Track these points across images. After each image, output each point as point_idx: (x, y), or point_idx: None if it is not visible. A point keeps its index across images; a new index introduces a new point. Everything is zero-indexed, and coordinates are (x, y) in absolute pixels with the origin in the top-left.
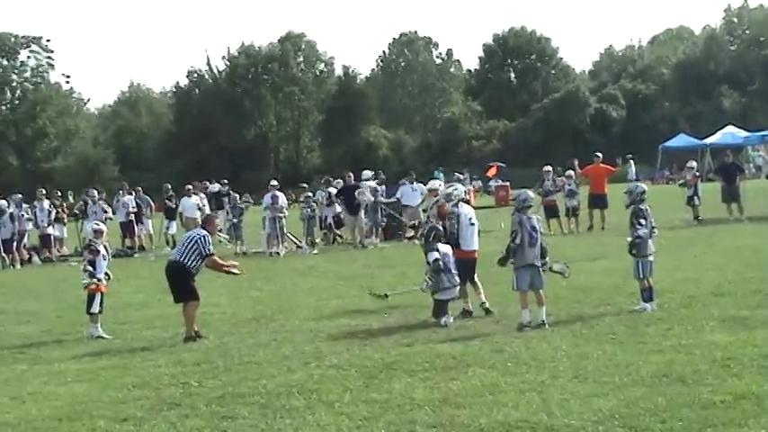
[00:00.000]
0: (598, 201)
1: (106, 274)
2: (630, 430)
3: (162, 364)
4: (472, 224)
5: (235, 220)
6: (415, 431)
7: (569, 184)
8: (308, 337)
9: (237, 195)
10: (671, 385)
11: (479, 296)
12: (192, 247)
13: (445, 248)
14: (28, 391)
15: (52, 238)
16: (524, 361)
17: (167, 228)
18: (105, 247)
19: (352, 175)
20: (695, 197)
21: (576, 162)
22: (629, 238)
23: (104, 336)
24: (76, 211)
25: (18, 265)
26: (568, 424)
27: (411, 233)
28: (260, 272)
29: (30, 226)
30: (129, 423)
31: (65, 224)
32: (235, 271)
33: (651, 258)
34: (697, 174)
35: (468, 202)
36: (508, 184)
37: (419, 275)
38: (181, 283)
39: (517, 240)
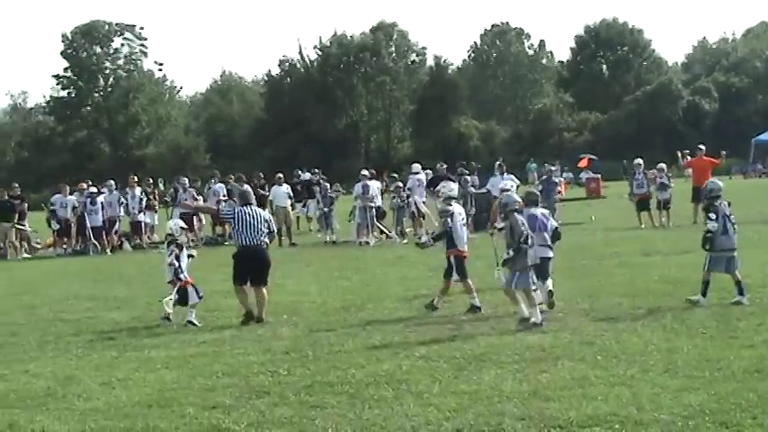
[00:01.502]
0: (701, 193)
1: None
2: (721, 426)
3: (251, 352)
4: (464, 224)
5: (326, 209)
6: (503, 423)
7: (661, 177)
8: (397, 328)
9: (328, 185)
10: (763, 381)
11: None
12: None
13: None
14: (118, 378)
15: (143, 224)
16: (614, 354)
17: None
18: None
19: (445, 165)
20: None
21: (680, 153)
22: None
23: (196, 323)
24: (167, 199)
25: (109, 252)
26: (658, 419)
27: (501, 224)
28: (350, 261)
29: (122, 213)
30: (218, 411)
31: (156, 211)
32: None
33: (730, 254)
34: None
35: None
36: (599, 176)
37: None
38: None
39: (530, 242)
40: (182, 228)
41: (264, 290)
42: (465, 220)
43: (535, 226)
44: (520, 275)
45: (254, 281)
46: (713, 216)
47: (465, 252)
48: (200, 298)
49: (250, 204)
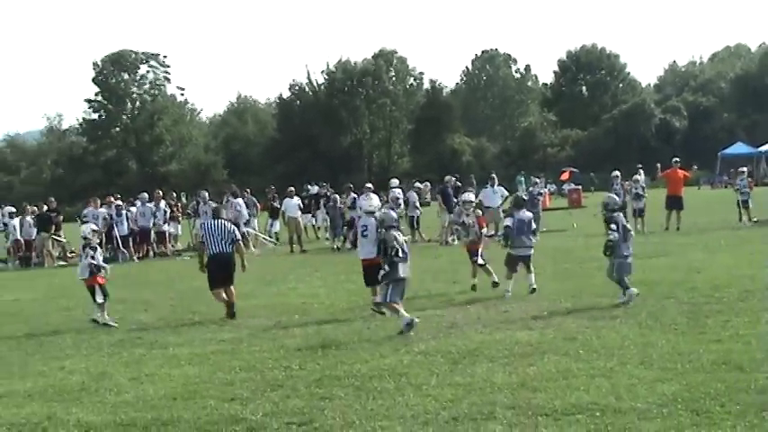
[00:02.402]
0: (674, 202)
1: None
2: (692, 413)
3: (266, 349)
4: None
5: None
6: (495, 412)
7: (636, 188)
8: (398, 326)
9: (338, 196)
10: (730, 372)
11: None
12: (229, 236)
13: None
14: (145, 373)
15: (168, 234)
16: (594, 348)
17: (271, 225)
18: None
19: (453, 178)
20: (749, 200)
21: (659, 165)
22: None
23: (102, 321)
24: (189, 211)
25: (136, 259)
26: (635, 407)
27: (491, 232)
28: (355, 266)
29: (152, 223)
30: (236, 403)
31: (179, 222)
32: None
33: (629, 260)
34: (750, 179)
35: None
36: (580, 187)
37: (499, 270)
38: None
39: (401, 254)
40: (93, 230)
41: (232, 288)
42: (376, 232)
43: (524, 228)
44: (393, 288)
45: (224, 283)
46: (614, 227)
47: (366, 261)
48: (105, 298)
49: (218, 219)
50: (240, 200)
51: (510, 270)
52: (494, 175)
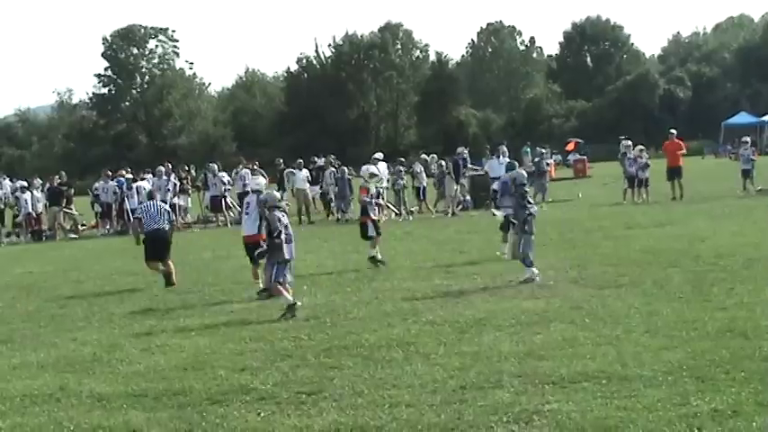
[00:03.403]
0: (674, 172)
1: None
2: (697, 380)
3: (275, 319)
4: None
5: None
6: (502, 380)
7: (641, 158)
8: (405, 296)
9: (345, 168)
10: (734, 339)
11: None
12: (165, 215)
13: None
14: (156, 344)
15: (178, 207)
16: (600, 317)
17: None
18: None
19: (464, 149)
20: (752, 170)
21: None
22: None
23: None
24: (198, 184)
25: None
26: (641, 374)
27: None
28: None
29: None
30: (247, 372)
31: (189, 195)
32: None
33: (533, 237)
34: (755, 148)
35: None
36: (585, 157)
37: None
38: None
39: (282, 236)
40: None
41: (170, 261)
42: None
43: (507, 191)
44: (278, 269)
45: (161, 257)
46: (531, 201)
47: (247, 237)
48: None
49: (153, 199)
50: (248, 171)
51: (505, 232)
52: (504, 148)
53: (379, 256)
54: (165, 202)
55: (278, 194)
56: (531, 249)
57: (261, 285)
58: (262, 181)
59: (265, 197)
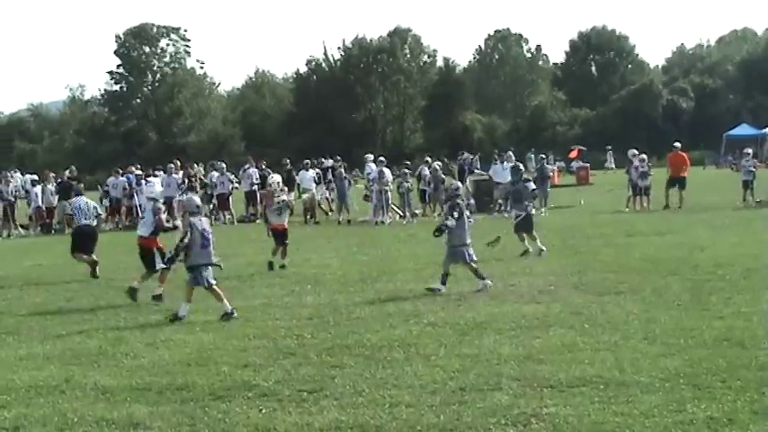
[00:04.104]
0: (676, 182)
1: None
2: (694, 388)
3: (279, 317)
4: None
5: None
6: (501, 383)
7: (642, 167)
8: (408, 297)
9: (343, 170)
10: (731, 348)
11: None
12: (93, 212)
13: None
14: (161, 339)
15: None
16: (599, 323)
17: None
18: None
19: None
20: (753, 181)
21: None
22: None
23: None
24: (207, 181)
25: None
26: (638, 381)
27: (501, 207)
28: (367, 238)
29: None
30: (250, 369)
31: (197, 192)
32: None
33: (464, 249)
34: (756, 160)
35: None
36: (588, 165)
37: (509, 244)
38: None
39: (186, 240)
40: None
41: (94, 255)
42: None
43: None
44: (192, 274)
45: (88, 251)
46: (455, 214)
47: (141, 239)
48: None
49: (81, 196)
50: (255, 170)
51: (518, 235)
52: (510, 153)
53: (283, 262)
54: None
55: (197, 200)
56: (457, 261)
57: (158, 291)
58: (157, 189)
59: (185, 202)
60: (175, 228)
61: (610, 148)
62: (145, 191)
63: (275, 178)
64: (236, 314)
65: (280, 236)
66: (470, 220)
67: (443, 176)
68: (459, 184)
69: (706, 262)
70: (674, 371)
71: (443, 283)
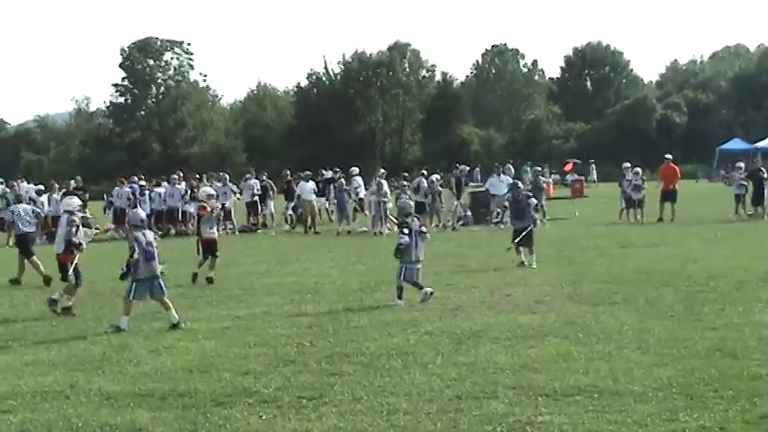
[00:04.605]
0: (668, 195)
1: None
2: (687, 397)
3: (279, 325)
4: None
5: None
6: (497, 391)
7: (636, 180)
8: (406, 307)
9: (343, 181)
10: (723, 359)
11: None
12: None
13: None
14: (164, 346)
15: (188, 214)
16: (594, 333)
17: (286, 207)
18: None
19: (463, 166)
20: (745, 195)
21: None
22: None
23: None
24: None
25: (159, 236)
26: (632, 390)
27: (497, 218)
28: (366, 249)
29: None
30: (250, 376)
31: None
32: None
33: (418, 266)
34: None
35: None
36: (583, 178)
37: (505, 255)
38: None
39: (136, 256)
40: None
41: (34, 258)
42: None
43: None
44: (137, 287)
45: (28, 254)
46: (406, 231)
47: (58, 256)
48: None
49: (21, 203)
50: (256, 181)
51: (516, 247)
52: (510, 166)
53: (210, 275)
54: (178, 208)
55: (142, 214)
56: (412, 278)
57: (67, 303)
58: (74, 202)
59: (130, 216)
60: (80, 246)
61: (593, 161)
62: (63, 204)
63: (206, 190)
64: (182, 325)
65: (209, 248)
66: (427, 236)
67: (440, 189)
68: (411, 203)
69: (699, 274)
70: (667, 380)
71: (400, 297)
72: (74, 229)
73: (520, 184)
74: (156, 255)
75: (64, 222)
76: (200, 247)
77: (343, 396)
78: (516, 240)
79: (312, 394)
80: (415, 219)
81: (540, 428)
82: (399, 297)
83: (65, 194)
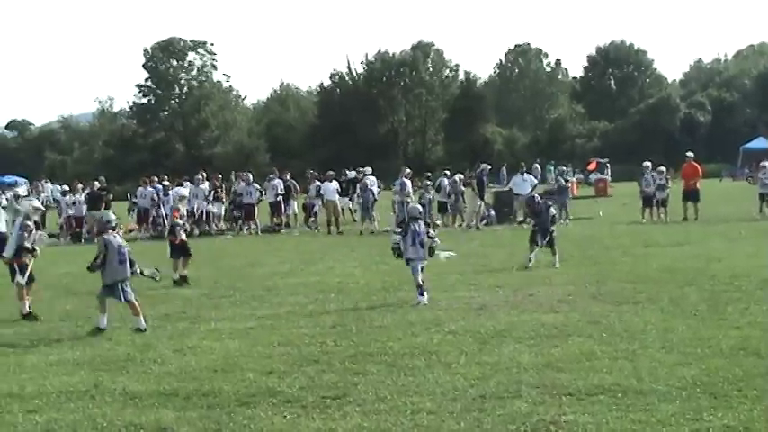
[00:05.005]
0: (690, 195)
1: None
2: (711, 396)
3: (303, 325)
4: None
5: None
6: (521, 390)
7: (660, 179)
8: (429, 306)
9: (367, 181)
10: (747, 358)
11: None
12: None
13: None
14: (188, 346)
15: (212, 214)
16: (617, 332)
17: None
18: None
19: (484, 165)
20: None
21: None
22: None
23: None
24: (234, 192)
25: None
26: (655, 389)
27: (520, 218)
28: (389, 248)
29: (205, 204)
30: (274, 376)
31: (222, 202)
32: None
33: (421, 265)
34: None
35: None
36: (606, 177)
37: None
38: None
39: (99, 260)
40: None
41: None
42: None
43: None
44: (103, 290)
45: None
46: (398, 230)
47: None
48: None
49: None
50: (279, 181)
51: (532, 244)
52: (537, 165)
53: (183, 274)
54: (201, 209)
55: (111, 216)
56: (415, 274)
57: (26, 309)
58: (27, 205)
59: (106, 218)
60: (33, 251)
61: (607, 160)
62: (21, 206)
63: (180, 191)
64: (147, 331)
65: (181, 249)
66: (435, 241)
67: (462, 188)
68: (419, 207)
69: (723, 273)
70: (691, 380)
71: (422, 294)
72: (26, 234)
73: (537, 197)
74: (128, 257)
75: (17, 226)
76: (172, 249)
77: (367, 395)
78: (541, 243)
79: (336, 393)
80: (422, 223)
81: (564, 428)
82: (421, 294)
83: (88, 195)
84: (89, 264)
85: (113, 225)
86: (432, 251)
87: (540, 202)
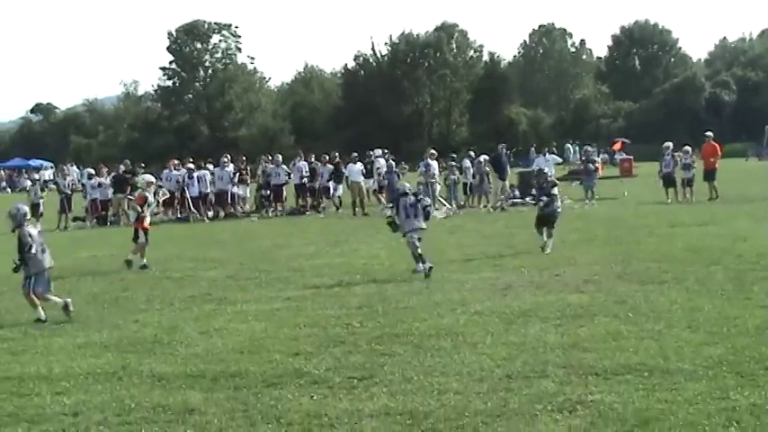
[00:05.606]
0: (707, 175)
1: None
2: (737, 375)
3: (329, 306)
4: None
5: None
6: (547, 370)
7: (685, 159)
8: (455, 287)
9: (393, 163)
10: None
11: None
12: None
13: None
14: (215, 328)
15: (237, 196)
16: (643, 312)
17: (334, 190)
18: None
19: (505, 147)
20: None
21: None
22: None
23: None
24: (259, 174)
25: (207, 219)
26: (682, 368)
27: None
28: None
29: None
30: (301, 357)
31: (248, 184)
32: None
33: (416, 236)
34: None
35: None
36: (631, 157)
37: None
38: None
39: (32, 251)
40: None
41: None
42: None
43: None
44: (35, 281)
45: None
46: (390, 205)
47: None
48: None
49: None
50: (305, 163)
51: (540, 228)
52: (568, 146)
53: (144, 262)
54: (224, 192)
55: (26, 208)
56: (412, 247)
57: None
58: (141, 179)
59: (14, 213)
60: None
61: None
62: (138, 179)
63: (146, 178)
64: (46, 322)
65: (145, 234)
66: (428, 209)
67: (487, 169)
68: (407, 184)
69: (748, 252)
70: (718, 359)
71: (421, 262)
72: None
73: (546, 170)
74: (46, 246)
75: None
76: (137, 234)
77: (394, 376)
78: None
79: (363, 374)
80: (411, 197)
81: (591, 407)
82: (417, 262)
83: (114, 178)
84: (15, 262)
85: (26, 218)
86: (427, 215)
87: (549, 179)
